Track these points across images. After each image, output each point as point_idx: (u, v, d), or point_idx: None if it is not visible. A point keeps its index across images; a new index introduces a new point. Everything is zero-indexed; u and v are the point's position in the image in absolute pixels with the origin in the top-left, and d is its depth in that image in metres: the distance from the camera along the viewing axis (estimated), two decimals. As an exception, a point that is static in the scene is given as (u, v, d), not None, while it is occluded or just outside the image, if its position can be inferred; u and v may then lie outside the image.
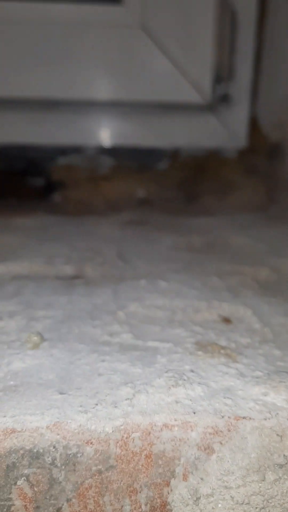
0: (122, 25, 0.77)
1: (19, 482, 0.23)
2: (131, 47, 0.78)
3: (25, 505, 0.23)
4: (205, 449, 0.23)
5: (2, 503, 0.23)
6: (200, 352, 0.29)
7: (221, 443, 0.23)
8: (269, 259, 0.54)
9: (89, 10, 0.77)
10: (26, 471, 0.23)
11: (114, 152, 0.91)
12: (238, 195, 0.95)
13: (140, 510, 0.24)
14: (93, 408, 0.24)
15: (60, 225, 0.72)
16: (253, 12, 0.79)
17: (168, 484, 0.23)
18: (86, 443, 0.23)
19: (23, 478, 0.23)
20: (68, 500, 0.23)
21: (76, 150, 0.91)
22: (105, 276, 0.48)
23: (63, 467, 0.23)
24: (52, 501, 0.23)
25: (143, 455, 0.23)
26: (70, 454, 0.23)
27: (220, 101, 0.83)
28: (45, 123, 0.84)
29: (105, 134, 0.86)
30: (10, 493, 0.23)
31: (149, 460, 0.23)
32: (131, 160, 0.93)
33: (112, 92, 0.81)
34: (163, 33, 0.78)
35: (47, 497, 0.23)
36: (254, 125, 0.88)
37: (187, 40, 0.78)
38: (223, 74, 0.81)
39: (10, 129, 0.85)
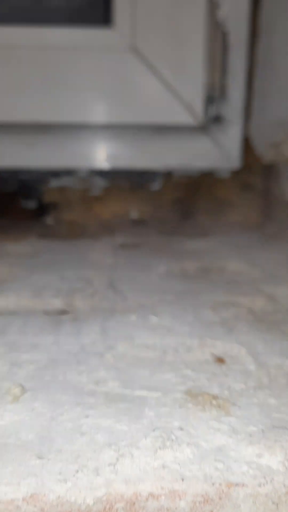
0: (112, 48, 0.76)
1: None
2: (122, 70, 0.77)
3: None
4: (195, 520, 0.21)
5: None
6: (190, 405, 0.27)
7: (212, 513, 0.21)
8: (265, 287, 0.52)
9: (79, 34, 0.76)
10: None
11: (107, 173, 0.90)
12: (233, 214, 0.93)
13: None
14: (74, 476, 0.22)
15: (52, 251, 0.70)
16: (244, 33, 0.78)
17: None
18: (65, 516, 0.21)
19: None
20: None
21: (68, 172, 0.90)
22: (95, 309, 0.46)
23: None
24: None
25: (127, 528, 0.21)
26: (48, 529, 0.21)
27: (212, 121, 0.82)
28: (37, 146, 0.83)
29: (98, 156, 0.85)
30: None
31: (134, 534, 0.21)
32: (124, 181, 0.92)
33: (104, 115, 0.80)
34: (154, 55, 0.77)
35: None
36: (247, 145, 0.86)
37: (178, 61, 0.77)
38: (215, 95, 0.80)
39: (2, 152, 0.83)
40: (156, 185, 0.93)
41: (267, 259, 0.66)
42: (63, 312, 0.45)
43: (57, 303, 0.47)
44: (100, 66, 0.77)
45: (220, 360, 0.35)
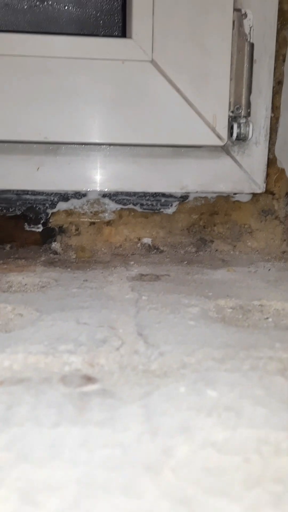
0: (130, 59, 0.64)
1: None
2: (140, 84, 0.65)
3: None
4: None
5: None
6: None
7: None
8: None
9: (94, 43, 0.64)
10: None
11: (119, 196, 0.77)
12: (253, 241, 0.81)
13: None
14: None
15: (61, 283, 0.57)
16: (272, 45, 0.67)
17: None
18: None
19: None
20: None
21: (78, 194, 0.77)
22: (125, 371, 0.33)
23: None
24: None
25: None
26: None
27: (235, 142, 0.70)
28: (44, 167, 0.70)
29: (110, 178, 0.72)
30: None
31: None
32: (136, 204, 0.79)
33: (118, 135, 0.67)
34: (175, 68, 0.65)
35: None
36: (272, 166, 0.74)
37: (200, 76, 0.65)
38: (239, 113, 0.68)
39: (7, 174, 0.70)
40: (170, 209, 0.80)
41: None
42: (87, 379, 0.31)
43: (76, 362, 0.34)
44: (117, 80, 0.65)
45: None
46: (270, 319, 0.46)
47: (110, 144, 0.70)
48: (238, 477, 0.21)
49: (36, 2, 0.66)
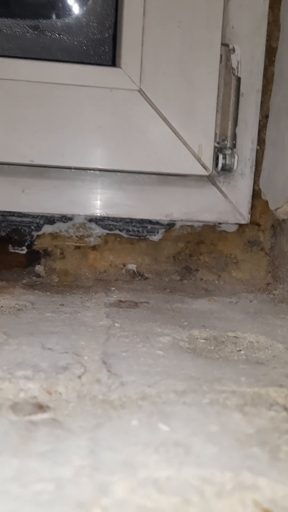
0: (119, 88, 0.65)
1: None
2: (128, 113, 0.66)
3: None
4: None
5: None
6: None
7: None
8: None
9: (83, 70, 0.65)
10: None
11: (104, 221, 0.77)
12: (238, 271, 0.80)
13: None
14: None
15: (37, 307, 0.56)
16: (259, 79, 0.68)
17: None
18: None
19: None
20: None
21: (64, 218, 0.77)
22: (83, 401, 0.32)
23: None
24: None
25: None
26: None
27: (221, 173, 0.71)
28: (30, 189, 0.70)
29: (96, 204, 0.73)
30: None
31: None
32: (122, 230, 0.79)
33: (106, 161, 0.68)
34: (163, 98, 0.66)
35: None
36: (257, 198, 0.75)
37: (188, 106, 0.66)
38: (225, 144, 0.69)
39: (-8, 194, 0.71)
40: (156, 236, 0.80)
41: (284, 328, 0.53)
42: (38, 407, 0.30)
43: (33, 389, 0.33)
44: (105, 108, 0.65)
45: (268, 515, 0.21)
46: (242, 352, 0.45)
47: (96, 170, 0.70)
48: (174, 520, 0.20)
49: (29, 29, 0.67)
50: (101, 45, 0.69)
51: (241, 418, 0.29)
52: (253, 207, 0.75)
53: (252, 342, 0.48)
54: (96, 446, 0.25)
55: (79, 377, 0.36)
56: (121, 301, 0.62)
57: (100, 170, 0.70)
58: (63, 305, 0.58)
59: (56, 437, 0.26)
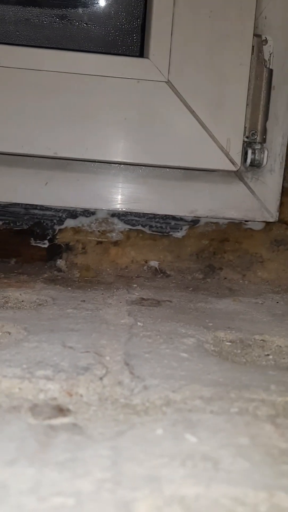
0: (146, 79, 0.63)
1: None
2: (155, 105, 0.64)
3: None
4: None
5: None
6: None
7: None
8: None
9: (110, 61, 0.63)
10: None
11: (127, 217, 0.76)
12: (263, 271, 0.78)
13: None
14: None
15: (59, 303, 0.55)
16: (292, 72, 0.65)
17: None
18: None
19: None
20: None
21: (86, 212, 0.76)
22: (104, 404, 0.31)
23: None
24: None
25: None
26: None
27: (250, 168, 0.68)
28: (52, 182, 0.69)
29: (119, 198, 0.71)
30: None
31: None
32: (145, 226, 0.77)
33: (131, 154, 0.66)
34: (191, 90, 0.64)
35: None
36: (286, 195, 0.72)
37: (217, 99, 0.64)
38: (254, 139, 0.66)
39: (15, 187, 0.70)
40: (180, 233, 0.78)
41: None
42: (58, 410, 0.29)
43: (53, 390, 0.32)
44: (131, 99, 0.64)
45: None
46: (270, 356, 0.43)
47: (120, 163, 0.69)
48: None
49: (56, 18, 0.66)
50: (129, 35, 0.67)
51: (274, 431, 0.27)
52: (281, 204, 0.72)
53: (280, 346, 0.46)
54: (118, 457, 0.24)
55: (101, 378, 0.34)
56: (143, 298, 0.61)
57: (124, 163, 0.68)
58: (84, 301, 0.57)
59: (76, 444, 0.25)
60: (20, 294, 0.58)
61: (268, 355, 0.43)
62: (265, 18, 0.66)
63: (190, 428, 0.27)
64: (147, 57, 0.63)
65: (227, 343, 0.45)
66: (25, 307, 0.55)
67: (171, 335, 0.45)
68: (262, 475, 0.23)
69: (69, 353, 0.38)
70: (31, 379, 0.32)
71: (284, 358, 0.43)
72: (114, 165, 0.69)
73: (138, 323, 0.48)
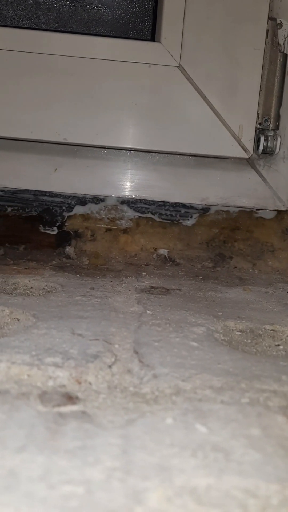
0: (158, 64, 0.62)
1: None
2: (166, 90, 0.63)
3: None
4: None
5: None
6: None
7: None
8: None
9: (121, 45, 0.62)
10: None
11: (137, 204, 0.75)
12: (274, 260, 0.77)
13: None
14: None
15: (68, 290, 0.55)
16: (307, 57, 0.63)
17: None
18: None
19: None
20: None
21: (95, 199, 0.75)
22: (113, 392, 0.30)
23: None
24: None
25: None
26: None
27: (262, 155, 0.67)
28: (62, 168, 0.68)
29: (129, 185, 0.70)
30: None
31: None
32: (155, 213, 0.77)
33: (141, 140, 0.65)
34: (203, 76, 0.62)
35: None
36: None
37: (229, 84, 0.63)
38: (267, 125, 0.65)
39: (24, 173, 0.69)
40: (190, 221, 0.77)
41: None
42: (68, 398, 0.29)
43: (62, 377, 0.32)
44: (141, 85, 0.63)
45: None
46: (281, 347, 0.43)
47: (131, 150, 0.68)
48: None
49: (66, 1, 0.64)
50: (141, 19, 0.66)
51: (286, 422, 0.27)
52: (293, 193, 0.71)
53: (291, 336, 0.45)
54: (128, 446, 0.23)
55: (110, 366, 0.34)
56: (152, 287, 0.60)
57: (134, 150, 0.68)
58: (93, 288, 0.57)
59: (85, 432, 0.25)
60: (29, 281, 0.58)
61: (278, 345, 0.43)
62: (280, 0, 0.64)
63: (200, 418, 0.27)
64: (159, 41, 0.62)
65: (237, 333, 0.45)
66: (34, 294, 0.55)
67: (181, 323, 0.44)
68: (274, 467, 0.23)
69: (78, 341, 0.38)
70: (40, 366, 0.32)
71: (294, 349, 0.42)
72: (124, 151, 0.68)
73: (147, 311, 0.48)
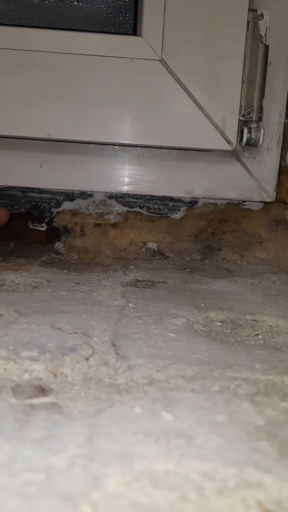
0: (139, 58, 0.62)
1: None
2: (149, 84, 0.63)
3: None
4: None
5: None
6: None
7: None
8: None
9: (102, 40, 0.62)
10: None
11: (125, 199, 0.75)
12: (262, 251, 0.78)
13: None
14: None
15: (53, 285, 0.55)
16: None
17: None
18: None
19: None
20: None
21: (83, 195, 0.75)
22: (87, 383, 0.31)
23: None
24: None
25: None
26: None
27: (246, 147, 0.67)
28: (48, 165, 0.69)
29: (116, 180, 0.71)
30: None
31: None
32: (143, 207, 0.77)
33: (126, 135, 0.66)
34: (186, 69, 0.63)
35: None
36: (284, 174, 0.71)
37: (211, 77, 0.63)
38: (250, 117, 0.65)
39: (11, 170, 0.70)
40: (178, 214, 0.78)
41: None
42: (40, 390, 0.29)
43: (38, 371, 0.32)
44: (123, 80, 0.63)
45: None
46: (260, 336, 0.43)
47: (115, 144, 0.68)
48: (169, 518, 0.19)
49: (47, -3, 0.65)
50: (122, 13, 0.66)
51: (252, 408, 0.28)
52: (279, 184, 0.71)
53: (271, 326, 0.46)
54: (94, 434, 0.24)
55: (87, 359, 0.34)
56: (138, 280, 0.61)
57: (119, 144, 0.68)
58: (78, 283, 0.57)
59: (54, 422, 0.25)
60: (16, 277, 0.59)
61: (258, 334, 0.43)
62: (261, -9, 0.64)
63: (168, 406, 0.27)
64: (140, 35, 0.62)
65: (217, 323, 0.45)
66: (20, 290, 0.56)
67: (162, 315, 0.45)
68: (235, 451, 0.23)
69: (57, 334, 0.38)
70: (17, 360, 0.33)
71: (273, 338, 0.43)
72: (109, 146, 0.69)
73: (130, 304, 0.48)
